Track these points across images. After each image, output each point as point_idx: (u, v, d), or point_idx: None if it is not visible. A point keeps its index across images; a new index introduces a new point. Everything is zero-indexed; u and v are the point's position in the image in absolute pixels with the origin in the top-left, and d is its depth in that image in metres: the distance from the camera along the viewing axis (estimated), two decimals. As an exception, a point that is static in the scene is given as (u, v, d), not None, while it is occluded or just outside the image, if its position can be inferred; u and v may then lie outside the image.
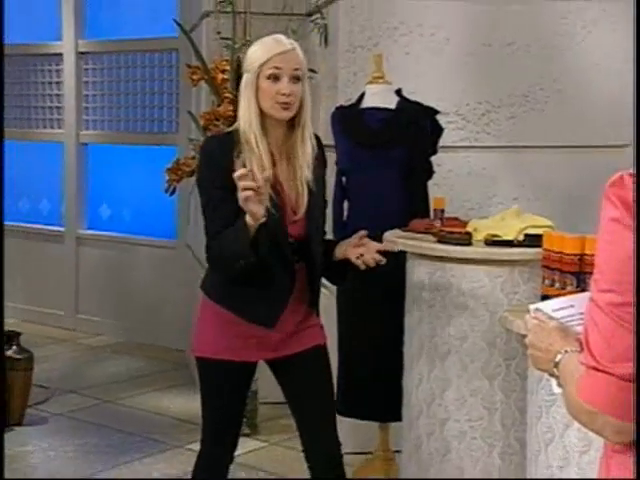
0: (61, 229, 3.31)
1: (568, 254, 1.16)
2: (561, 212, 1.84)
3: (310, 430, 1.28)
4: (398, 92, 1.75)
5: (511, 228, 1.48)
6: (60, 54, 3.25)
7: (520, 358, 1.43)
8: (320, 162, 1.28)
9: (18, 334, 2.25)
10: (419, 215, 1.66)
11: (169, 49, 3.00)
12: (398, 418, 1.63)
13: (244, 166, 1.18)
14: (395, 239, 1.54)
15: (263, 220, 1.13)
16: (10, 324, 2.79)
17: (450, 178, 2.01)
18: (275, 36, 1.23)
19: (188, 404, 2.34)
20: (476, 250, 1.46)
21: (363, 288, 1.64)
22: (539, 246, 1.29)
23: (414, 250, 1.52)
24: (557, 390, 0.69)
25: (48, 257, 3.31)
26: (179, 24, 2.36)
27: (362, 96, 1.76)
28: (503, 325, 1.24)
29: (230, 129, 1.27)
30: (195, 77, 2.13)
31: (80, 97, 3.22)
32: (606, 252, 0.62)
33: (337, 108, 1.82)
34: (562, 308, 0.72)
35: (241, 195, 1.11)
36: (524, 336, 0.76)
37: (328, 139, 1.66)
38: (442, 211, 1.65)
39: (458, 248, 1.46)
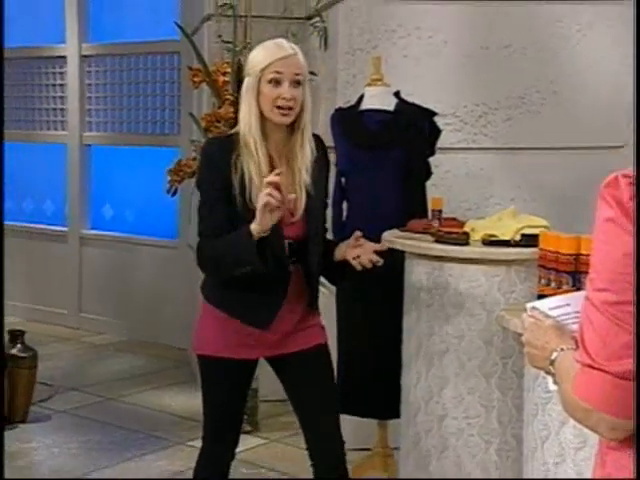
0: (64, 229, 3.34)
1: (564, 254, 1.18)
2: (557, 212, 1.85)
3: (313, 428, 1.29)
4: (396, 94, 1.76)
5: (508, 228, 1.49)
6: (64, 57, 3.28)
7: (517, 356, 1.44)
8: (322, 163, 1.28)
9: (22, 333, 2.27)
10: (417, 215, 1.68)
11: (171, 52, 3.03)
12: (397, 415, 1.64)
13: (242, 171, 1.19)
14: (394, 239, 1.56)
15: (266, 234, 1.15)
16: (14, 323, 2.85)
17: (448, 179, 2.03)
18: (277, 41, 1.25)
19: (189, 401, 2.36)
20: (473, 250, 1.48)
21: (362, 288, 1.66)
22: (535, 246, 1.31)
23: (412, 250, 1.54)
24: (553, 387, 0.70)
25: (52, 257, 3.34)
26: (181, 27, 2.39)
27: (361, 98, 1.78)
28: (500, 324, 1.25)
29: (231, 132, 1.28)
30: (196, 79, 2.15)
31: (83, 99, 3.25)
32: (601, 252, 0.62)
33: (336, 110, 1.84)
34: (558, 307, 0.73)
35: (263, 198, 1.12)
36: (521, 335, 0.77)
37: (327, 141, 1.67)
38: (440, 211, 1.67)
39: (456, 248, 1.48)
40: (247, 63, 1.26)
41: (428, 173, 1.78)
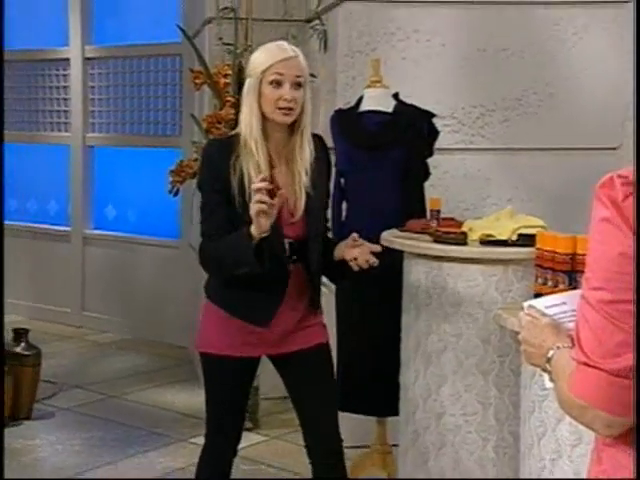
0: (68, 229, 3.36)
1: (560, 253, 1.18)
2: (553, 212, 1.86)
3: (312, 426, 1.31)
4: (395, 96, 1.77)
5: (505, 228, 1.50)
6: (67, 59, 3.31)
7: (514, 355, 1.45)
8: (323, 163, 1.29)
9: (26, 331, 2.29)
10: (416, 215, 1.69)
11: (173, 54, 3.05)
12: (395, 413, 1.66)
13: (241, 172, 1.21)
14: (393, 238, 1.57)
15: (267, 234, 1.17)
16: (18, 321, 2.87)
17: (446, 179, 2.05)
18: (278, 43, 1.26)
19: (191, 399, 2.38)
20: (471, 250, 1.48)
21: (361, 288, 1.67)
22: (532, 246, 1.31)
23: (411, 250, 1.55)
24: (549, 385, 0.71)
25: (55, 256, 3.36)
26: (183, 30, 2.41)
27: (360, 100, 1.79)
28: (497, 322, 1.25)
29: (232, 133, 1.30)
30: (198, 81, 2.17)
31: (86, 101, 3.27)
32: (597, 251, 0.63)
33: (336, 111, 1.85)
34: (555, 305, 0.73)
35: (254, 207, 1.14)
36: (518, 333, 0.77)
37: (327, 141, 1.69)
38: (438, 212, 1.68)
39: (454, 248, 1.48)
40: (249, 64, 1.27)
41: (426, 174, 1.79)
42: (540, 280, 1.23)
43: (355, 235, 1.27)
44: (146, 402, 2.42)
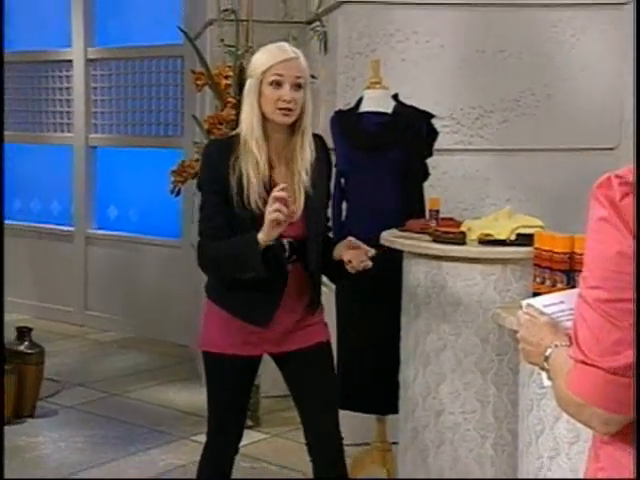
0: (71, 229, 3.38)
1: (558, 253, 1.19)
2: (551, 212, 1.87)
3: (312, 425, 1.31)
4: (395, 97, 1.78)
5: (504, 228, 1.51)
6: (70, 61, 3.32)
7: (512, 353, 1.46)
8: (324, 163, 1.30)
9: (30, 330, 2.30)
10: (415, 215, 1.69)
11: (174, 56, 3.06)
12: (395, 411, 1.66)
13: (240, 172, 1.22)
14: (393, 238, 1.58)
15: (273, 243, 1.19)
16: (22, 320, 2.87)
17: (445, 180, 2.06)
18: (279, 44, 1.27)
19: (193, 397, 2.39)
20: (470, 249, 1.49)
21: (361, 288, 1.67)
22: (530, 245, 1.32)
23: (410, 249, 1.56)
24: (547, 383, 0.71)
25: (58, 256, 3.38)
26: (184, 32, 2.42)
27: (360, 100, 1.80)
28: (496, 321, 1.26)
29: (232, 133, 1.31)
30: (199, 82, 2.18)
31: (89, 102, 3.29)
32: (594, 250, 0.63)
33: (336, 112, 1.86)
34: (553, 304, 0.74)
35: (271, 215, 1.16)
36: (516, 332, 0.77)
37: (328, 142, 1.71)
38: (437, 211, 1.69)
39: (453, 247, 1.49)
40: (250, 65, 1.28)
41: (426, 174, 1.80)
42: (538, 279, 1.24)
43: (351, 238, 1.28)
44: (148, 400, 2.44)
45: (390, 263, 1.63)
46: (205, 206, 1.27)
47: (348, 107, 1.87)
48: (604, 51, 2.12)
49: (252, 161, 1.24)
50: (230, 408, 1.33)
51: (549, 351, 0.70)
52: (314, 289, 1.32)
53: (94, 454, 2.04)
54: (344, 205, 1.83)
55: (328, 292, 1.66)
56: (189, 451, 2.01)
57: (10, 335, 2.27)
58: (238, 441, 1.35)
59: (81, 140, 3.33)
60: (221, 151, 1.26)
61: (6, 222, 2.98)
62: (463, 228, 1.56)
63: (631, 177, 0.62)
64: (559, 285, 1.19)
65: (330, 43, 2.18)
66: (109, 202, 3.36)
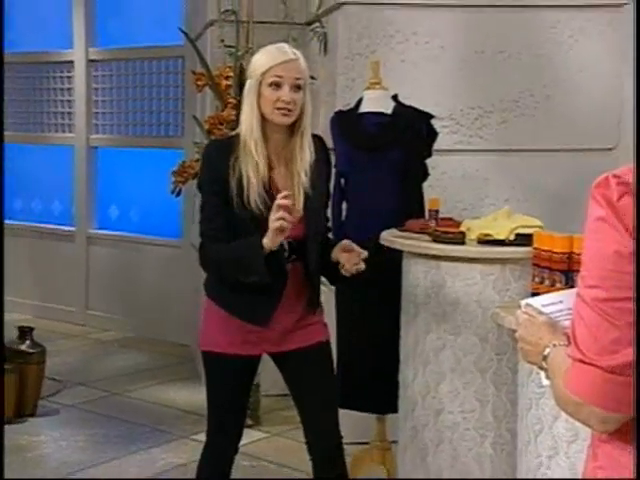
0: (72, 229, 3.39)
1: (557, 253, 1.19)
2: (550, 212, 1.87)
3: (312, 423, 1.32)
4: (394, 97, 1.78)
5: (503, 228, 1.51)
6: (71, 61, 3.33)
7: (511, 353, 1.46)
8: (323, 163, 1.30)
9: (31, 329, 2.31)
10: (414, 215, 1.70)
11: (175, 56, 3.07)
12: (395, 410, 1.67)
13: (240, 173, 1.22)
14: (392, 238, 1.59)
15: (277, 248, 1.20)
16: (23, 320, 2.88)
17: (444, 180, 2.06)
18: (279, 45, 1.27)
19: (193, 396, 2.40)
20: (469, 249, 1.49)
21: (361, 287, 1.67)
22: (529, 245, 1.33)
23: (410, 249, 1.56)
24: (546, 382, 0.71)
25: (60, 256, 3.39)
26: (185, 33, 2.43)
27: (360, 101, 1.80)
28: (495, 321, 1.27)
29: (232, 134, 1.31)
30: (200, 83, 2.19)
31: (90, 102, 3.30)
32: (592, 250, 0.63)
33: (336, 113, 1.87)
34: (551, 304, 0.74)
35: (275, 223, 1.18)
36: (515, 331, 0.77)
37: (327, 143, 1.71)
38: (437, 211, 1.69)
39: (452, 247, 1.50)
40: (250, 66, 1.28)
41: (425, 174, 1.80)
42: (537, 279, 1.25)
43: (346, 241, 1.28)
44: (149, 399, 2.45)
45: (390, 263, 1.64)
46: (205, 207, 1.28)
47: (348, 108, 1.88)
48: (602, 52, 2.12)
49: (251, 162, 1.24)
50: (230, 408, 1.33)
51: (547, 350, 0.70)
52: (313, 289, 1.32)
53: (95, 453, 2.05)
54: (344, 205, 1.83)
55: (328, 292, 1.66)
56: (189, 450, 2.02)
57: (12, 334, 2.28)
58: (238, 441, 1.35)
59: (82, 140, 3.34)
60: (221, 152, 1.27)
61: (7, 222, 3.00)
62: (462, 228, 1.57)
63: (629, 177, 0.63)
64: (558, 285, 1.19)
65: (330, 44, 2.19)
66: (110, 202, 3.37)
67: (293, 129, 1.26)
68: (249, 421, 2.06)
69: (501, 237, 1.51)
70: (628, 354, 0.61)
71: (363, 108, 1.80)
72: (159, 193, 2.72)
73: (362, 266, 1.26)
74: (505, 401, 1.51)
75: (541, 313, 0.75)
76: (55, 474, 1.94)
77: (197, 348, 1.43)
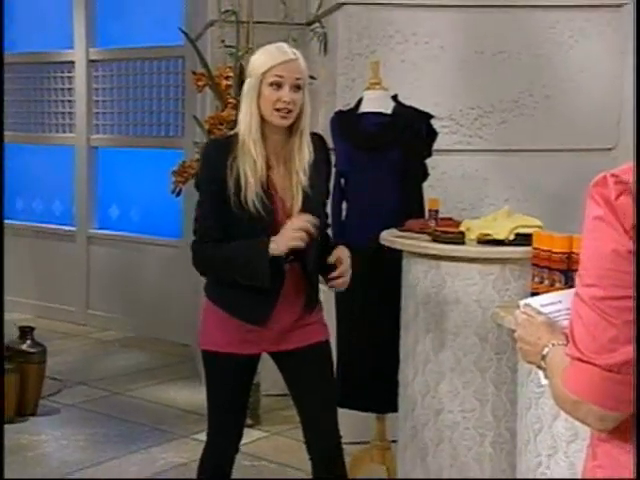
0: (72, 229, 3.40)
1: (556, 252, 1.19)
2: (549, 212, 1.88)
3: (311, 423, 1.32)
4: (394, 97, 1.78)
5: (502, 228, 1.51)
6: (72, 62, 3.34)
7: (511, 352, 1.46)
8: (323, 162, 1.30)
9: (32, 329, 2.31)
10: (414, 215, 1.70)
11: (176, 57, 3.08)
12: (394, 409, 1.67)
13: (238, 172, 1.23)
14: (392, 238, 1.59)
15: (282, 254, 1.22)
16: (24, 319, 2.89)
17: (444, 180, 2.07)
18: (279, 45, 1.27)
19: (193, 396, 2.40)
20: (469, 249, 1.50)
21: (362, 288, 1.68)
22: (529, 245, 1.33)
23: (410, 249, 1.56)
24: (545, 382, 0.71)
25: (60, 255, 3.40)
26: (185, 33, 2.44)
27: (360, 101, 1.80)
28: (494, 321, 1.27)
29: (231, 133, 1.31)
30: (200, 83, 2.20)
31: (90, 103, 3.31)
32: (590, 249, 0.64)
33: (336, 113, 1.87)
34: (550, 303, 0.74)
35: (292, 242, 1.22)
36: (514, 331, 0.78)
37: (327, 143, 1.72)
38: (436, 211, 1.70)
39: (452, 247, 1.50)
40: (249, 65, 1.27)
41: (425, 174, 1.80)
42: (537, 279, 1.25)
43: (340, 253, 1.29)
44: (149, 399, 2.45)
45: (390, 263, 1.64)
46: (202, 205, 1.28)
47: (348, 108, 1.88)
48: (602, 52, 2.13)
49: (250, 161, 1.24)
50: (230, 407, 1.33)
51: (546, 350, 0.71)
52: (312, 288, 1.32)
53: (96, 452, 2.06)
54: (344, 205, 1.83)
55: (328, 292, 1.66)
56: (190, 449, 2.02)
57: (12, 334, 2.29)
58: (238, 440, 1.35)
59: (83, 141, 3.34)
60: (219, 151, 1.27)
61: (8, 222, 3.01)
62: (462, 228, 1.57)
63: (627, 176, 0.63)
64: (557, 285, 1.20)
65: (330, 44, 2.19)
66: (110, 202, 3.38)
67: (292, 129, 1.27)
68: (249, 421, 2.07)
69: (501, 237, 1.51)
70: (626, 352, 0.62)
71: (363, 108, 1.80)
72: (159, 193, 2.73)
73: (346, 283, 1.30)
74: (505, 400, 1.51)
75: (540, 313, 0.75)
76: (56, 473, 1.95)
77: (197, 347, 1.43)
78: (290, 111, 1.24)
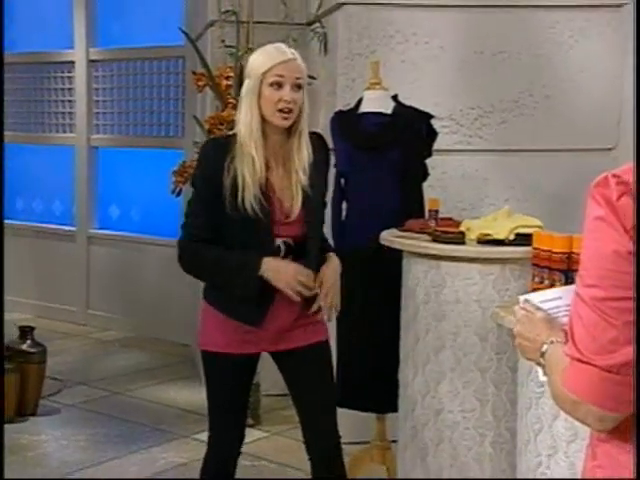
0: (73, 229, 3.40)
1: (557, 252, 1.19)
2: (550, 212, 1.88)
3: (310, 423, 1.32)
4: (394, 97, 1.79)
5: (502, 228, 1.51)
6: (72, 62, 3.34)
7: (511, 352, 1.46)
8: (322, 162, 1.30)
9: (32, 329, 2.32)
10: (414, 215, 1.70)
11: (176, 57, 3.08)
12: (395, 409, 1.67)
13: (235, 173, 1.22)
14: (392, 238, 1.59)
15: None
16: (24, 319, 2.89)
17: (444, 180, 2.07)
18: (277, 45, 1.27)
19: (194, 396, 2.41)
20: (469, 249, 1.50)
21: (362, 288, 1.69)
22: (529, 245, 1.33)
23: (410, 249, 1.56)
24: (543, 378, 0.72)
25: (60, 255, 3.40)
26: (185, 33, 2.44)
27: (360, 101, 1.80)
28: (495, 320, 1.28)
29: (229, 133, 1.32)
30: (200, 83, 2.20)
31: (91, 103, 3.31)
32: (591, 249, 0.64)
33: (336, 113, 1.87)
34: (550, 300, 0.74)
35: (289, 291, 1.23)
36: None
37: (327, 143, 1.72)
38: (437, 211, 1.70)
39: (452, 247, 1.50)
40: (247, 66, 1.27)
41: (425, 174, 1.80)
42: (537, 279, 1.25)
43: (324, 275, 1.29)
44: (149, 399, 2.45)
45: (390, 263, 1.64)
46: (194, 203, 1.28)
47: (348, 108, 1.88)
48: (602, 52, 2.13)
49: (248, 162, 1.24)
50: (230, 407, 1.33)
51: (545, 347, 0.71)
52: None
53: (96, 452, 2.06)
54: (344, 205, 1.83)
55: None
56: (190, 449, 2.02)
57: (13, 334, 2.29)
58: (241, 440, 1.35)
59: (83, 140, 3.35)
60: (217, 151, 1.27)
61: (9, 222, 3.01)
62: (462, 228, 1.57)
63: (628, 176, 0.63)
64: (557, 284, 1.20)
65: (330, 44, 2.19)
66: (111, 202, 3.38)
67: (291, 129, 1.27)
68: (249, 420, 2.06)
69: (501, 237, 1.52)
70: (626, 353, 0.62)
71: (363, 108, 1.80)
72: (160, 193, 2.73)
73: (333, 298, 1.31)
74: (505, 400, 1.51)
75: (539, 309, 0.75)
76: (56, 473, 1.95)
77: (197, 348, 1.43)
78: (291, 111, 1.24)
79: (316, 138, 1.31)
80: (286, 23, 2.35)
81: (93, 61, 3.31)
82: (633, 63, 1.89)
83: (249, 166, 1.24)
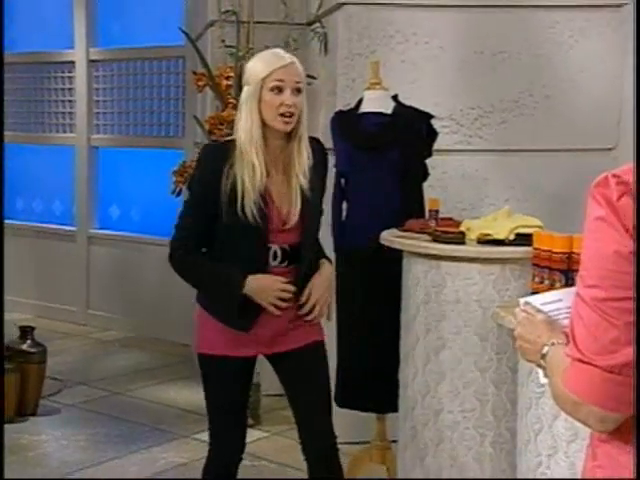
0: (73, 229, 3.40)
1: (557, 252, 1.19)
2: (550, 212, 1.87)
3: (306, 424, 1.32)
4: (394, 97, 1.79)
5: (502, 228, 1.52)
6: (72, 62, 3.35)
7: (511, 352, 1.46)
8: (321, 168, 1.30)
9: (32, 329, 2.32)
10: (415, 215, 1.70)
11: (176, 57, 3.09)
12: (395, 409, 1.67)
13: (234, 179, 1.23)
14: (393, 238, 1.59)
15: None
16: (24, 319, 2.90)
17: (444, 180, 2.07)
18: (274, 50, 1.28)
19: (193, 396, 2.40)
20: (469, 249, 1.50)
21: (362, 289, 1.69)
22: (529, 245, 1.33)
23: (410, 249, 1.57)
24: (544, 380, 0.72)
25: (61, 255, 3.40)
26: (186, 33, 2.45)
27: (360, 101, 1.80)
28: (495, 320, 1.28)
29: (229, 139, 1.31)
30: (201, 83, 2.20)
31: (91, 103, 3.32)
32: (591, 249, 0.64)
33: (336, 113, 1.87)
34: (550, 302, 0.75)
35: (268, 305, 1.24)
36: (514, 330, 0.78)
37: (327, 143, 1.69)
38: (437, 211, 1.70)
39: (452, 247, 1.50)
40: (246, 73, 1.28)
41: (425, 174, 1.80)
42: (537, 279, 1.25)
43: (309, 290, 1.30)
44: (149, 399, 2.46)
45: (390, 263, 1.64)
46: (189, 206, 1.29)
47: (348, 108, 1.88)
48: (602, 52, 2.13)
49: (249, 169, 1.24)
50: (229, 409, 1.34)
51: (546, 349, 0.71)
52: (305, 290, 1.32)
53: (96, 452, 2.06)
54: (344, 205, 1.83)
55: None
56: (190, 449, 2.02)
57: (13, 334, 2.29)
58: (243, 440, 1.36)
59: (83, 140, 3.35)
60: (216, 156, 1.27)
61: (9, 222, 3.01)
62: (462, 228, 1.57)
63: (628, 176, 0.63)
64: (558, 285, 1.20)
65: (330, 44, 2.19)
66: (111, 202, 3.38)
67: (290, 134, 1.27)
68: (249, 420, 2.06)
69: (501, 237, 1.52)
70: (627, 354, 0.62)
71: (363, 108, 1.80)
72: (160, 193, 2.73)
73: (321, 308, 1.32)
74: (505, 400, 1.51)
75: (540, 311, 0.75)
76: (56, 473, 1.95)
77: (195, 351, 1.43)
78: (292, 115, 1.24)
79: (314, 143, 1.31)
80: (286, 23, 2.35)
81: (93, 61, 3.32)
82: (633, 63, 1.89)
83: (249, 173, 1.24)
